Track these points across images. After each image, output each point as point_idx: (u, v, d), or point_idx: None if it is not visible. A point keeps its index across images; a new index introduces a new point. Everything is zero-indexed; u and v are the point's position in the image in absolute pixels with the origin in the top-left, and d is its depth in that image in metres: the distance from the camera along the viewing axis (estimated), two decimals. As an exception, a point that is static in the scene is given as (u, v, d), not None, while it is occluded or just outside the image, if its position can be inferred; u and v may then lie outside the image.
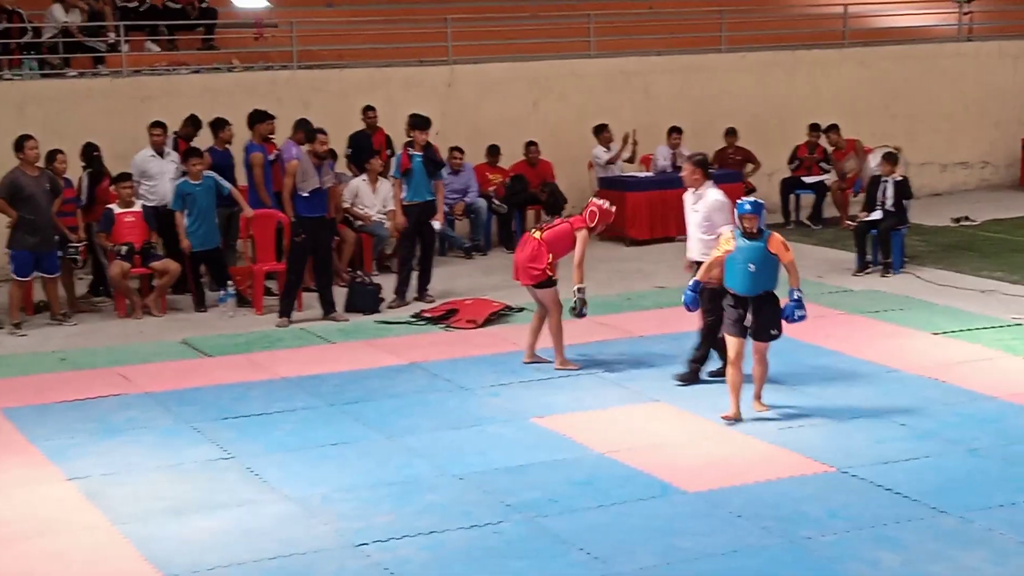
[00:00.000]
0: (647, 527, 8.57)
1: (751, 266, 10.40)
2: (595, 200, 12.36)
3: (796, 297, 10.54)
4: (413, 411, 11.08)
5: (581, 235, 11.97)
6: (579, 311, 11.88)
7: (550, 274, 11.99)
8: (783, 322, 10.59)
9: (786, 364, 12.06)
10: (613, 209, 12.33)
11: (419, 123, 14.97)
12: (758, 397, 10.82)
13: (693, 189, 11.58)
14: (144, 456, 10.06)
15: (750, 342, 10.58)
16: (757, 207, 10.43)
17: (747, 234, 10.43)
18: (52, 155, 14.65)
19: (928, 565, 7.99)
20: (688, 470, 9.57)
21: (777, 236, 10.53)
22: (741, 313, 10.47)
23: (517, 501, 9.01)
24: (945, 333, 13.30)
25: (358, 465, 9.80)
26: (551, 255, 11.98)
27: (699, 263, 11.06)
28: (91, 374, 12.34)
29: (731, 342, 10.56)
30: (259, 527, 8.65)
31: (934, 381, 11.68)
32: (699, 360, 11.59)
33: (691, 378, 11.60)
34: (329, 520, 8.75)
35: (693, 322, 11.79)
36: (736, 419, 10.54)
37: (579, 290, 11.80)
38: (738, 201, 10.65)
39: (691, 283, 10.81)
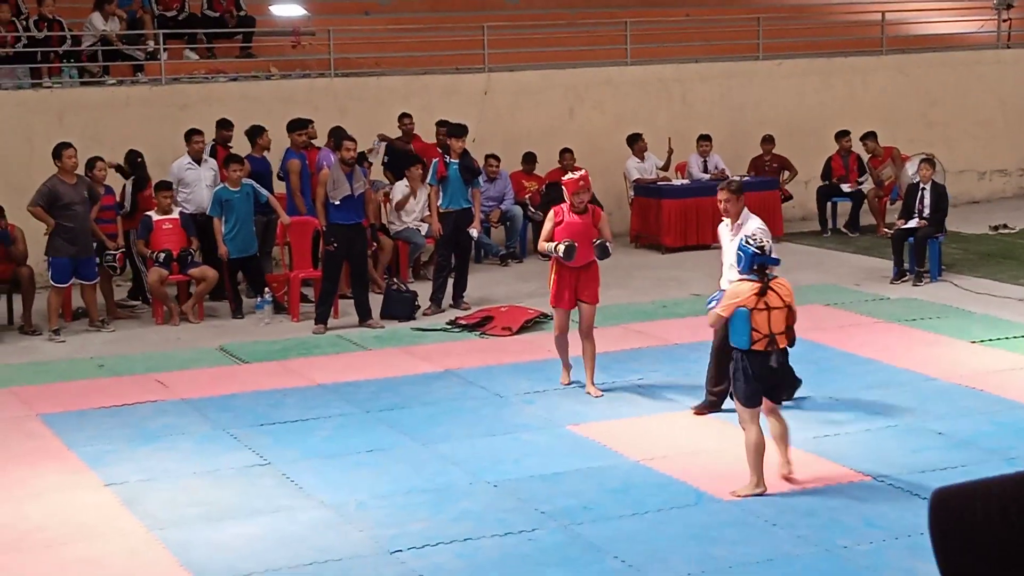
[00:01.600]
0: (682, 535, 8.55)
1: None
2: (564, 178, 11.97)
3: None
4: (448, 418, 11.10)
5: (548, 215, 11.74)
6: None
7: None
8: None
9: (822, 372, 12.03)
10: (579, 175, 11.57)
11: (456, 131, 15.03)
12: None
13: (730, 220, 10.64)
14: (181, 462, 10.11)
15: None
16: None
17: None
18: (92, 162, 14.76)
19: None
20: (723, 478, 9.53)
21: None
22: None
23: (551, 508, 9.01)
24: (982, 342, 13.23)
25: (393, 472, 9.83)
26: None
27: None
28: (129, 380, 12.41)
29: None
30: (295, 533, 8.68)
31: (971, 390, 11.62)
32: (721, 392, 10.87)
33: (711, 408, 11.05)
34: (364, 527, 8.78)
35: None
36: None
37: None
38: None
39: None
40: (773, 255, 9.26)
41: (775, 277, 9.24)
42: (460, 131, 15.04)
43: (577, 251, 11.28)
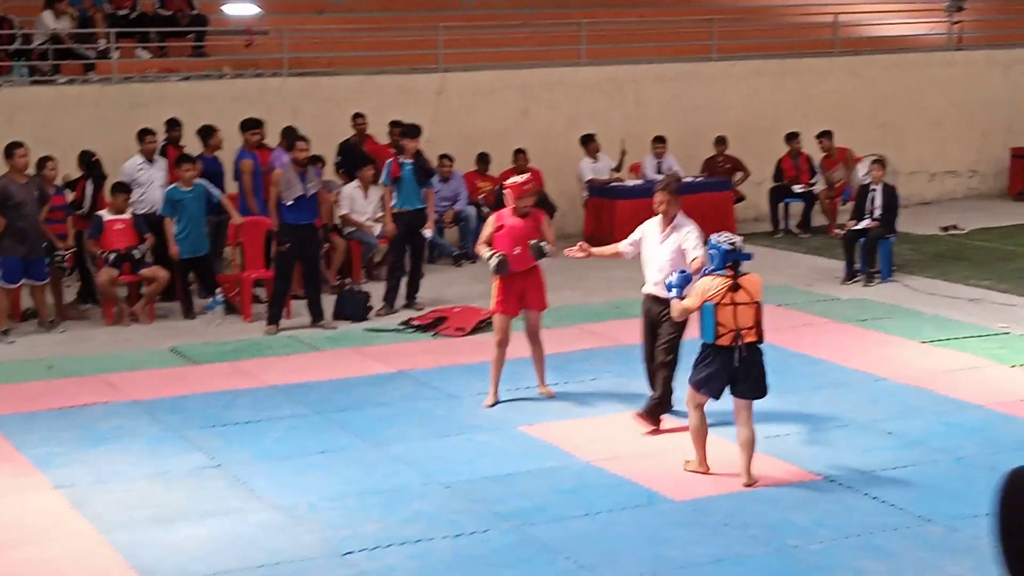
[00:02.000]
0: (634, 536, 8.57)
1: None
2: (507, 182, 11.68)
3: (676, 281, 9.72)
4: (401, 419, 11.08)
5: (488, 219, 11.63)
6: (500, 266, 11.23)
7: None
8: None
9: (773, 372, 12.03)
10: (523, 178, 11.55)
11: (410, 131, 15.01)
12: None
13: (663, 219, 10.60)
14: (131, 464, 10.05)
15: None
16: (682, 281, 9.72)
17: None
18: (42, 162, 14.65)
19: (914, 574, 8.00)
20: (675, 479, 9.57)
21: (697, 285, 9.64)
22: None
23: (504, 510, 9.01)
24: (933, 342, 13.32)
25: (345, 473, 9.80)
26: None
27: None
28: (78, 382, 12.33)
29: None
30: (246, 535, 8.64)
31: (921, 390, 11.70)
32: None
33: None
34: (316, 528, 8.75)
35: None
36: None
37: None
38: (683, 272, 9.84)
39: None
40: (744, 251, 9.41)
41: (745, 274, 9.37)
42: (414, 132, 15.02)
43: (519, 255, 11.19)
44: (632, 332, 13.65)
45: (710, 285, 9.31)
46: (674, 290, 9.65)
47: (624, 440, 10.50)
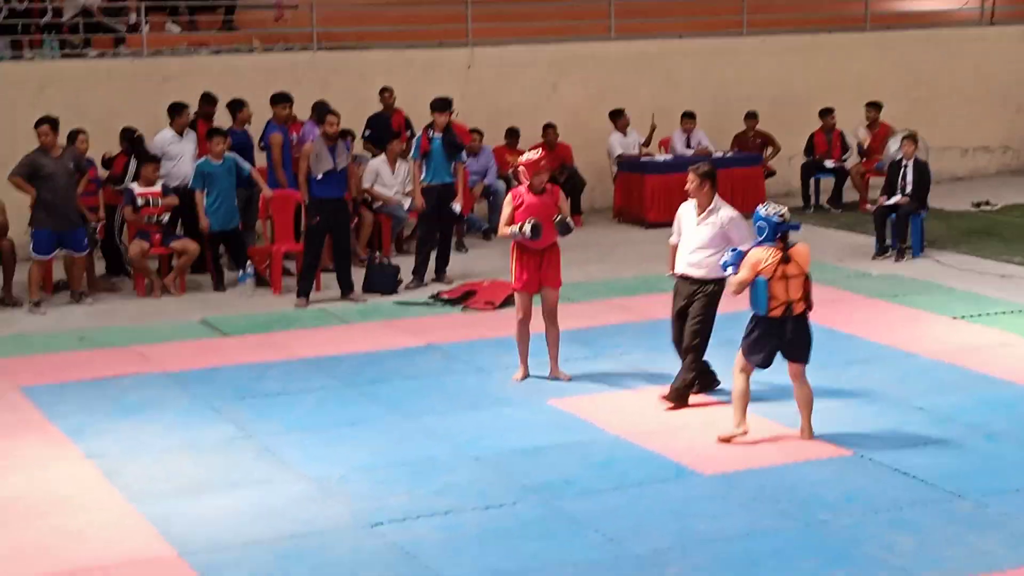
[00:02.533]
0: (663, 509, 8.58)
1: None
2: (521, 159, 11.45)
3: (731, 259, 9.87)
4: (430, 392, 11.10)
5: (506, 199, 11.39)
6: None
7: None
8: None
9: (804, 348, 12.07)
10: (538, 155, 11.28)
11: (439, 105, 14.98)
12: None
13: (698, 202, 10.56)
14: (161, 435, 10.10)
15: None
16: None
17: None
18: (73, 135, 14.70)
19: (944, 549, 7.98)
20: (704, 453, 9.57)
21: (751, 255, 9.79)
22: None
23: (533, 482, 9.02)
24: (964, 318, 13.27)
25: (375, 445, 9.83)
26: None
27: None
28: (110, 353, 12.39)
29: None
30: (275, 506, 8.68)
31: (952, 365, 11.66)
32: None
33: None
34: (345, 500, 8.78)
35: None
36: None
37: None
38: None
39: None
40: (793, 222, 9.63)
41: (793, 244, 9.59)
42: (443, 105, 14.99)
43: (542, 230, 11.07)
44: (662, 307, 13.62)
45: (762, 257, 9.48)
46: (730, 268, 9.77)
47: (653, 414, 10.49)
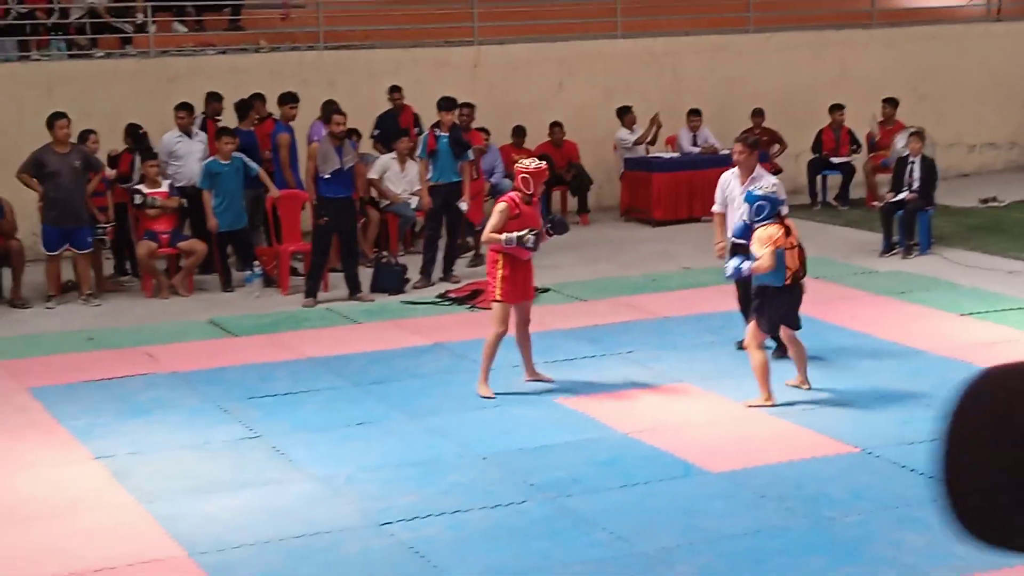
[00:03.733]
0: (670, 507, 8.58)
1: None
2: (520, 165, 11.00)
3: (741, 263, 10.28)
4: (438, 391, 11.11)
5: (498, 207, 10.77)
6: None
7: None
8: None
9: (811, 345, 12.04)
10: (543, 165, 10.99)
11: (445, 104, 14.99)
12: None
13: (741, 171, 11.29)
14: (170, 435, 10.12)
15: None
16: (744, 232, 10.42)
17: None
18: (84, 135, 14.75)
19: (953, 546, 7.97)
20: (711, 450, 9.57)
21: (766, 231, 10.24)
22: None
23: (540, 481, 9.04)
24: (972, 314, 13.26)
25: (382, 445, 9.84)
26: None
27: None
28: (118, 353, 12.41)
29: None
30: (284, 506, 8.70)
31: (960, 362, 11.63)
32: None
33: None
34: (354, 499, 8.80)
35: (717, 303, 11.74)
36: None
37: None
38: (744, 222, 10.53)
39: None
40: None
41: (786, 216, 10.38)
42: (449, 104, 15.01)
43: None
44: (667, 304, 13.69)
45: (773, 232, 10.11)
46: (744, 267, 10.23)
47: (661, 412, 10.50)
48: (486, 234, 10.85)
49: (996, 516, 2.25)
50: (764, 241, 10.09)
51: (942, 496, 2.34)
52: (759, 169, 11.22)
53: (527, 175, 10.78)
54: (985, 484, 2.29)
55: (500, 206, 10.77)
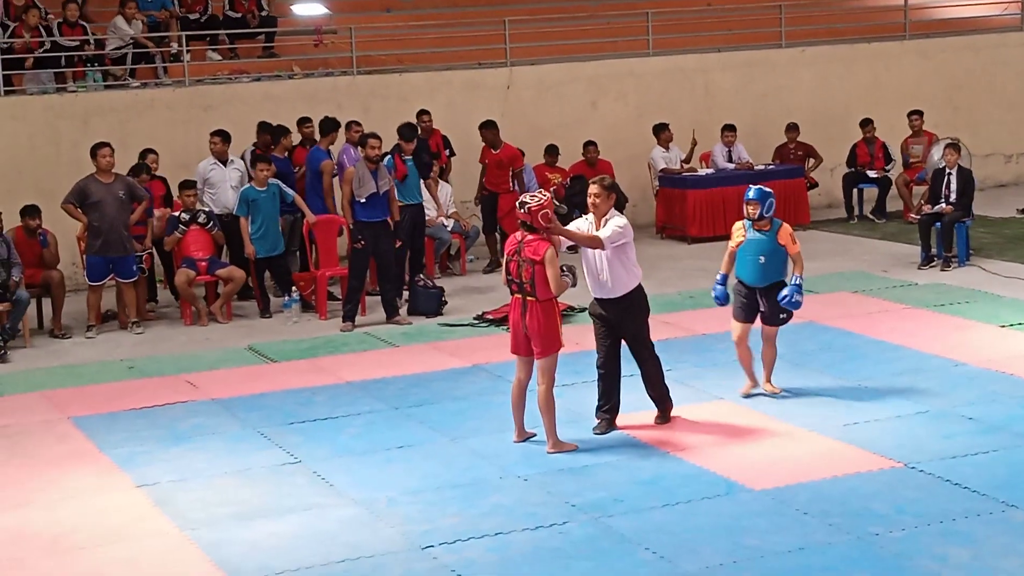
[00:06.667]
0: (713, 526, 8.55)
1: (761, 258, 10.90)
2: (530, 201, 9.98)
3: (796, 283, 10.82)
4: (477, 413, 11.12)
5: (548, 255, 9.92)
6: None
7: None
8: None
9: (851, 359, 12.02)
10: (550, 196, 10.14)
11: (408, 134, 15.21)
12: (768, 380, 11.22)
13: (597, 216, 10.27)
14: (212, 462, 10.15)
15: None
16: (761, 194, 10.82)
17: (756, 226, 10.88)
18: (144, 155, 15.39)
19: (998, 560, 7.92)
20: (753, 468, 9.54)
21: (786, 228, 10.97)
22: (748, 300, 11.02)
23: (582, 501, 9.02)
24: (1012, 325, 13.17)
25: (423, 468, 9.85)
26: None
27: None
28: (159, 381, 12.47)
29: (736, 326, 11.08)
30: (326, 531, 8.71)
31: (1001, 374, 11.58)
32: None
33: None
34: (395, 523, 8.80)
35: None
36: (753, 390, 11.20)
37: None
38: (748, 187, 11.08)
39: (718, 277, 11.18)
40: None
41: None
42: (411, 134, 15.22)
43: None
44: (706, 322, 13.64)
45: (740, 227, 11.02)
46: (797, 296, 10.84)
47: (701, 430, 10.47)
48: (570, 236, 10.31)
49: None
50: (795, 238, 10.94)
51: None
52: (613, 211, 10.23)
53: (539, 210, 9.90)
54: None
55: (549, 253, 9.92)
